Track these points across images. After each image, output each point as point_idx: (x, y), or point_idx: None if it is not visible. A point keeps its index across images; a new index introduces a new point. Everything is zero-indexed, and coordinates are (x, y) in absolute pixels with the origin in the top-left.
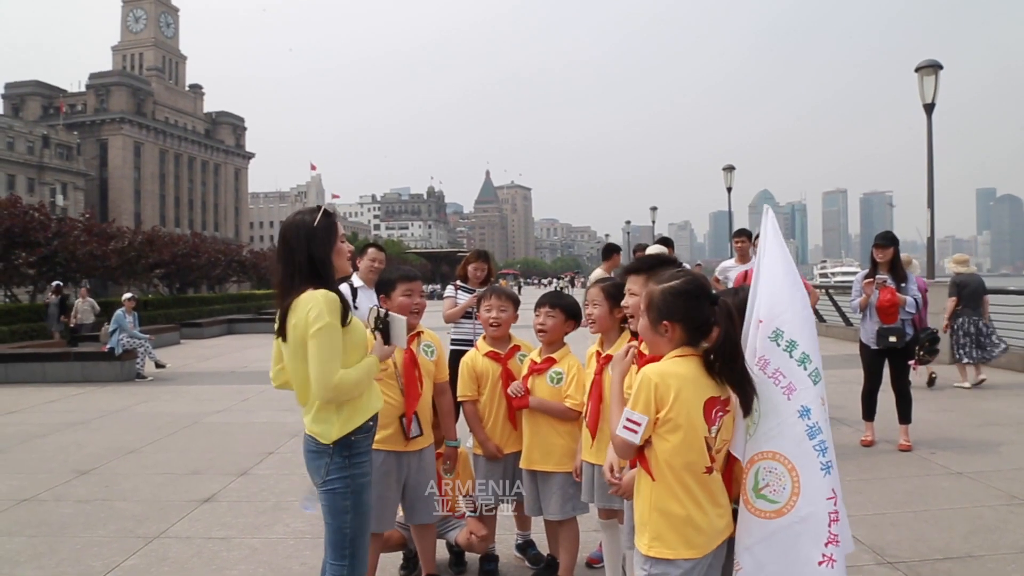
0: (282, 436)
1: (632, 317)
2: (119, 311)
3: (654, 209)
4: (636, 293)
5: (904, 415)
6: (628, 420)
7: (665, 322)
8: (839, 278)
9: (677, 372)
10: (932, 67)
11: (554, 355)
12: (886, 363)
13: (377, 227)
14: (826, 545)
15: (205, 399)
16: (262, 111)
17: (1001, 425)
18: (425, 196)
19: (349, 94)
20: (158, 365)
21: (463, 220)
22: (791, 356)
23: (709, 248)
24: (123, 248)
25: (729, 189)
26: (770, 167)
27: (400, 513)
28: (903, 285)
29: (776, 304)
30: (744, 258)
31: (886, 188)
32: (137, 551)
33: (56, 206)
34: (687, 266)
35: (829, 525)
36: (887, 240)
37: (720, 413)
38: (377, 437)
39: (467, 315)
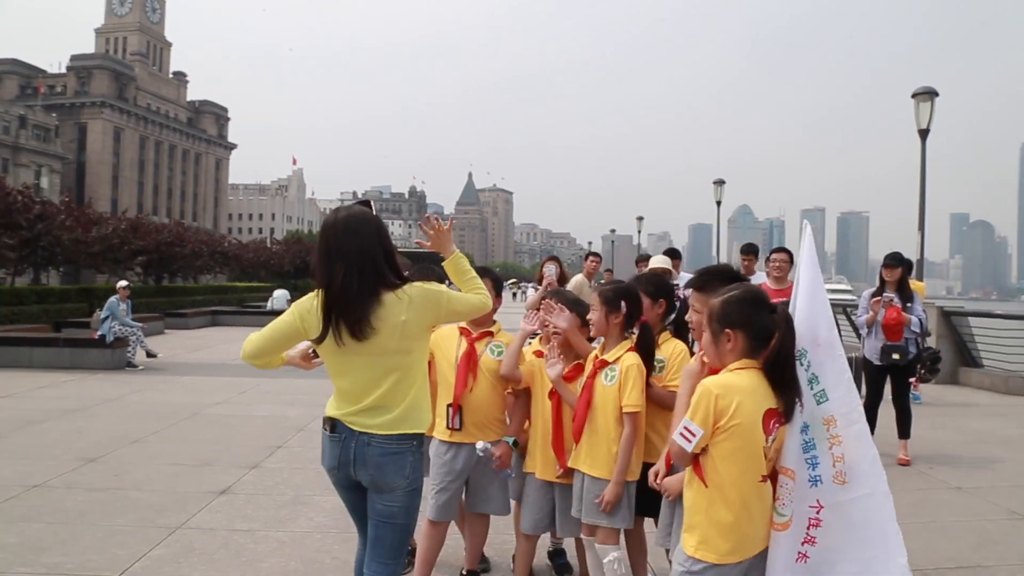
0: (287, 430)
1: (694, 330)
2: (113, 298)
3: (640, 219)
4: (700, 311)
5: (904, 430)
6: (685, 428)
7: (727, 331)
8: (831, 296)
9: (739, 384)
10: (928, 94)
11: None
12: (888, 380)
13: None
14: (802, 544)
15: (201, 390)
16: (245, 102)
17: (991, 444)
18: (407, 195)
19: (332, 88)
20: (149, 355)
21: (444, 221)
22: (806, 373)
23: (688, 260)
24: (106, 235)
25: (718, 203)
26: (751, 183)
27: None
28: (909, 305)
29: (803, 323)
30: (750, 272)
31: (863, 209)
32: (161, 541)
33: (41, 188)
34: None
35: (807, 528)
36: (896, 260)
37: (776, 424)
38: (438, 426)
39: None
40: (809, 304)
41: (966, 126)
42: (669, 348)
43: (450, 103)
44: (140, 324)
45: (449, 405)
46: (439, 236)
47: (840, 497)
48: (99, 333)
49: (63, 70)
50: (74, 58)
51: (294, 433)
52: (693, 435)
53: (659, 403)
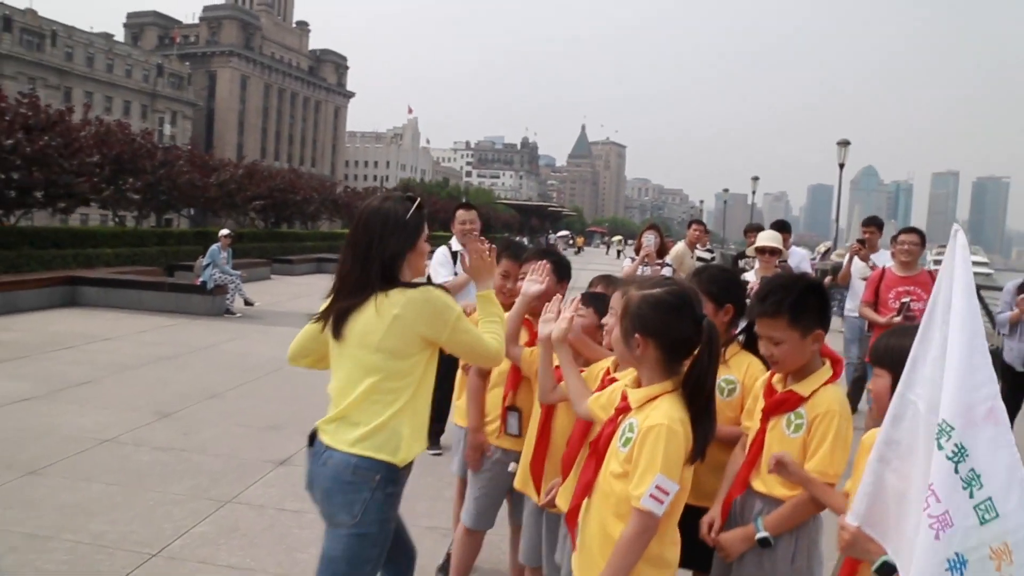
0: None
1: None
2: (214, 246)
3: (756, 179)
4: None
5: None
6: (658, 488)
7: (638, 335)
8: None
9: (685, 418)
10: None
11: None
12: None
13: (469, 174)
14: None
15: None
16: (365, 52)
17: None
18: (519, 147)
19: (449, 38)
20: (247, 303)
21: (555, 173)
22: (955, 469)
23: (804, 222)
24: (224, 181)
25: (841, 165)
26: (877, 143)
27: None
28: None
29: (952, 382)
30: (872, 248)
31: (1003, 174)
32: (208, 516)
33: (163, 135)
34: (800, 252)
35: None
36: None
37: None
38: (488, 429)
39: None
40: (962, 353)
41: None
42: (742, 365)
43: (564, 55)
44: (239, 272)
45: (510, 408)
46: (481, 263)
47: None
48: (200, 280)
49: (196, 20)
50: (206, 8)
51: None
52: (667, 494)
53: (720, 439)
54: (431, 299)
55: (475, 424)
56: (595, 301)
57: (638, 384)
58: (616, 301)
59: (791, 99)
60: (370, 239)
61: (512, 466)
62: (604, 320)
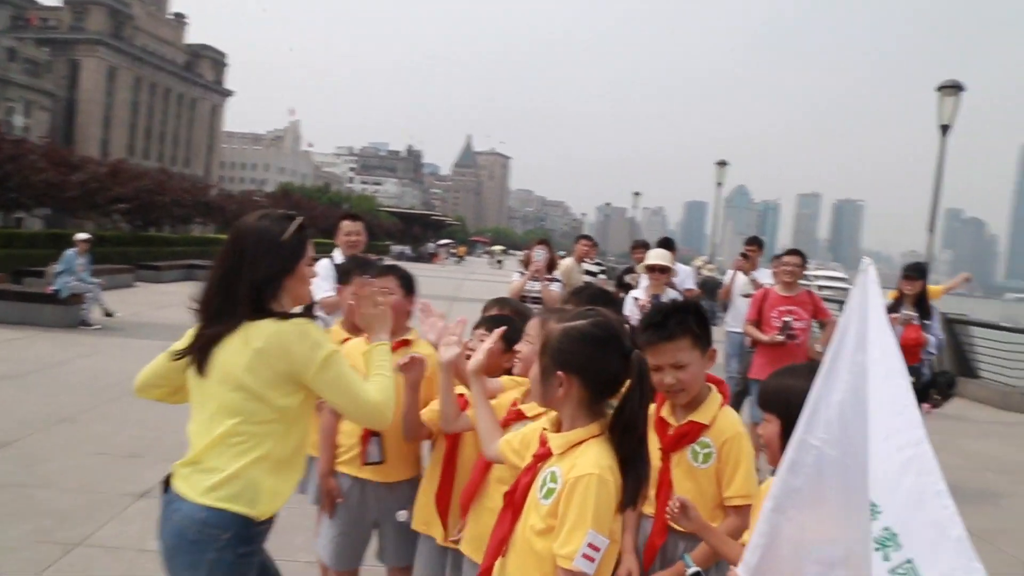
0: None
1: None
2: (70, 251)
3: (637, 195)
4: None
5: None
6: (590, 546)
7: (560, 373)
8: (822, 282)
9: (615, 465)
10: (954, 87)
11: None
12: None
13: (351, 180)
14: None
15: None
16: (245, 49)
17: (994, 472)
18: (403, 154)
19: (335, 40)
20: (107, 313)
21: (439, 182)
22: (883, 554)
23: (680, 237)
24: (85, 180)
25: (719, 184)
26: (749, 165)
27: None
28: (927, 323)
29: (878, 443)
30: (753, 266)
31: (859, 197)
32: (52, 564)
33: (13, 126)
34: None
35: None
36: (918, 272)
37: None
38: (342, 458)
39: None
40: (888, 411)
41: (964, 121)
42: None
43: (452, 65)
44: (99, 280)
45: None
46: (374, 312)
47: None
48: (53, 288)
49: (58, 2)
50: None
51: None
52: (598, 550)
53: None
54: (302, 332)
55: (325, 468)
56: (497, 325)
57: (558, 427)
58: (533, 331)
59: (673, 121)
60: (240, 260)
61: (403, 514)
62: (517, 347)
